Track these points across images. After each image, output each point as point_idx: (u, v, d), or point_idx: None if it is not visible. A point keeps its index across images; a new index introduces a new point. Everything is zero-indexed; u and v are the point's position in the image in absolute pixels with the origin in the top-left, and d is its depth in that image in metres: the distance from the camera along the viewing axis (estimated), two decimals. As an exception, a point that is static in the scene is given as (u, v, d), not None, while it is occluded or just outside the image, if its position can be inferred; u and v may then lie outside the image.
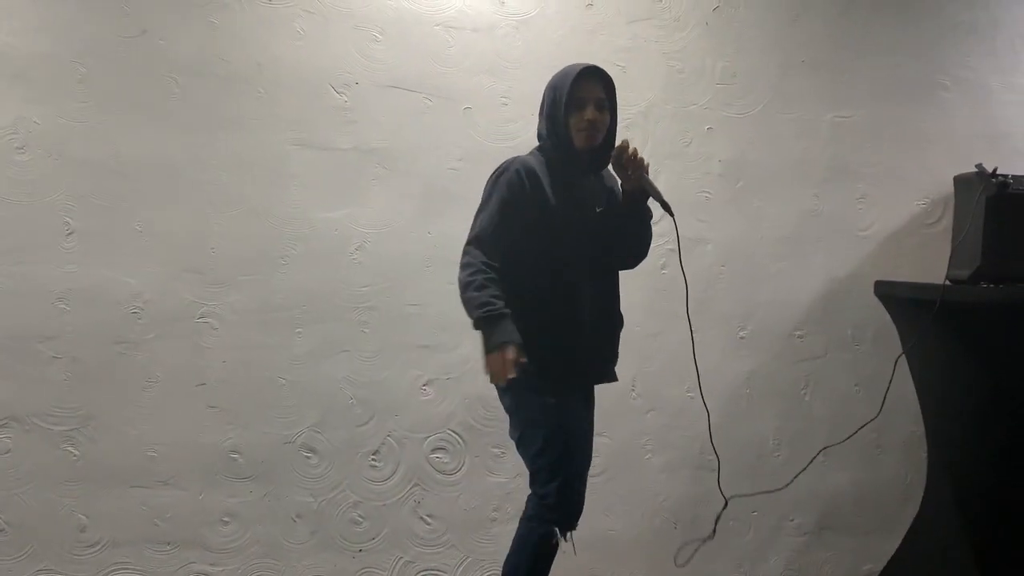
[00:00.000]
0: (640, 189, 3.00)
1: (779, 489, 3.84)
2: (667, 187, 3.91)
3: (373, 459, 3.75)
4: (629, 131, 3.89)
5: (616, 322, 3.09)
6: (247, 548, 3.66)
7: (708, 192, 4.00)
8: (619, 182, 3.05)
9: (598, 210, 3.02)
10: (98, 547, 3.55)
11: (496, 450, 3.85)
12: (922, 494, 3.90)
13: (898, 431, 4.13)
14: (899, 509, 4.10)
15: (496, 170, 2.96)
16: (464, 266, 2.83)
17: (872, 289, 3.90)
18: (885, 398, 3.72)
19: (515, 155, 2.98)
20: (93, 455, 3.54)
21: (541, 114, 3.01)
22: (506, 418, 3.81)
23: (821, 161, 4.10)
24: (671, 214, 3.03)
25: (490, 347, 2.76)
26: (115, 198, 3.53)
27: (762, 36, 4.04)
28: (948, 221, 4.01)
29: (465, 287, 2.79)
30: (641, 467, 3.96)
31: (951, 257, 3.66)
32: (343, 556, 3.74)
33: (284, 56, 3.65)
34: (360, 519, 3.75)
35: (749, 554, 4.07)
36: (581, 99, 2.93)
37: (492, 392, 3.79)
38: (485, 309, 2.75)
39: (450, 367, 3.80)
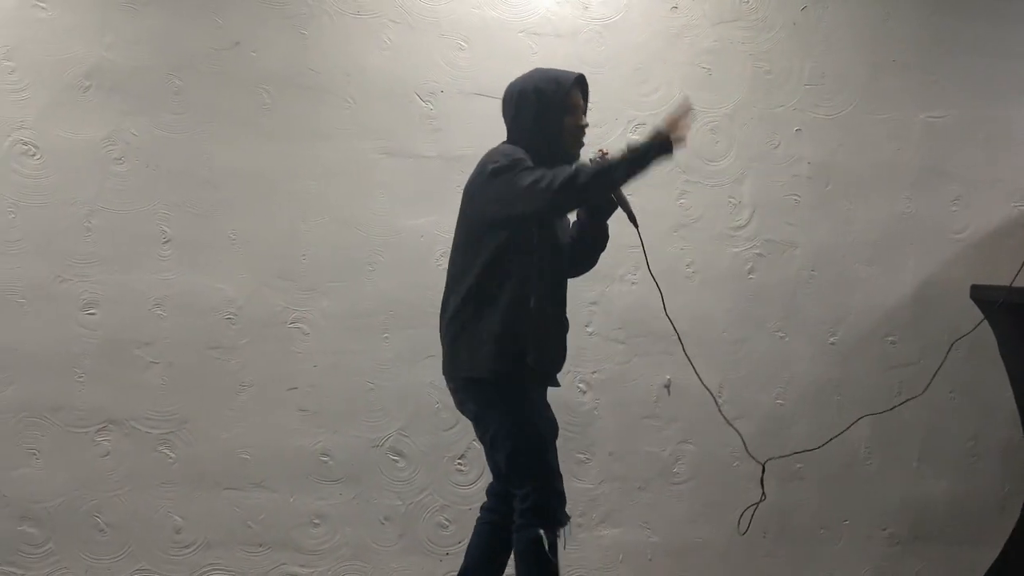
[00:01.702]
0: (610, 199, 3.03)
1: (815, 448, 3.73)
2: (754, 189, 3.91)
3: (459, 463, 3.78)
4: (714, 134, 3.87)
5: (567, 325, 3.08)
6: (337, 550, 3.72)
7: (796, 195, 3.94)
8: None
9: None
10: (193, 548, 3.64)
11: (580, 455, 3.85)
12: (1022, 503, 3.78)
13: (995, 438, 4.02)
14: (996, 519, 3.98)
15: (499, 147, 2.96)
16: (543, 176, 2.79)
17: (968, 293, 3.80)
18: (933, 378, 3.61)
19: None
20: (188, 458, 3.63)
21: (519, 117, 2.97)
22: (590, 423, 3.85)
23: (913, 163, 4.01)
24: (636, 226, 3.03)
25: (663, 133, 2.82)
26: (209, 207, 3.62)
27: (852, 36, 3.97)
28: (1048, 223, 3.90)
29: (573, 178, 2.77)
30: (728, 475, 3.91)
31: (1052, 260, 3.55)
32: (430, 559, 3.77)
33: (371, 66, 3.71)
34: (447, 523, 3.77)
35: (840, 562, 3.99)
36: (573, 106, 2.99)
37: (576, 398, 3.83)
38: (618, 159, 2.82)
39: (535, 372, 3.80)
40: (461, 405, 3.04)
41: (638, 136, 2.92)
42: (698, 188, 3.89)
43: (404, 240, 3.72)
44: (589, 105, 3.74)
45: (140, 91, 3.58)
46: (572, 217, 3.14)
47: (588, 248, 3.13)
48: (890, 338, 4.02)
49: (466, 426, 3.75)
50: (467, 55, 3.76)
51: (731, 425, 3.50)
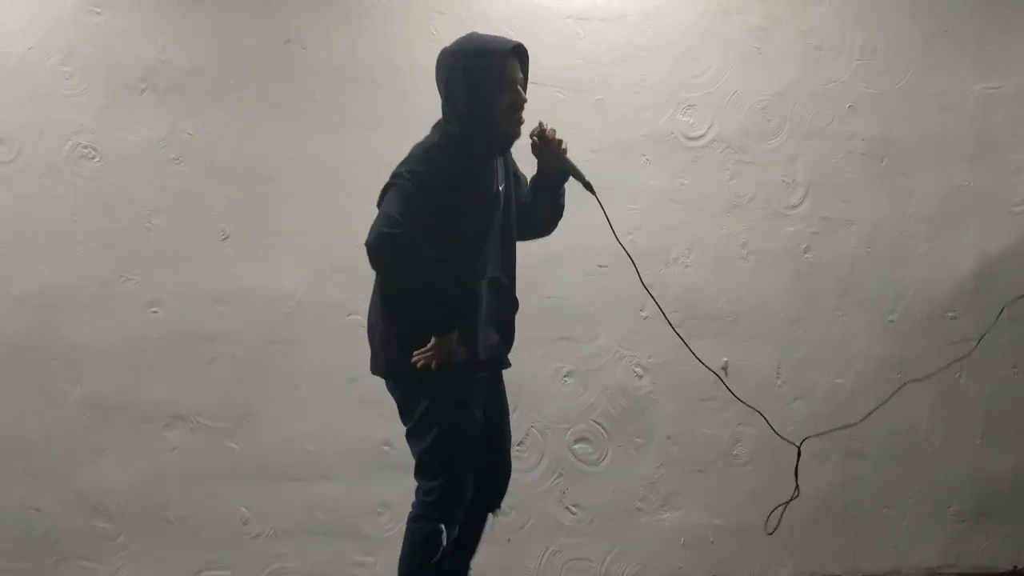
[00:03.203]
0: (559, 169, 2.89)
1: (854, 424, 3.71)
2: (808, 167, 3.88)
3: (518, 450, 3.79)
4: (766, 112, 3.85)
5: (514, 306, 2.96)
6: (400, 538, 3.73)
7: (851, 171, 3.90)
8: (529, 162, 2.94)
9: (500, 188, 2.85)
10: (260, 538, 3.70)
11: (639, 440, 3.85)
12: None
13: (1062, 413, 3.96)
14: (1065, 495, 3.93)
15: (422, 143, 2.83)
16: (392, 225, 2.65)
17: (1029, 265, 3.75)
18: (981, 339, 3.62)
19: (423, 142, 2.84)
20: (253, 450, 3.68)
21: (451, 92, 2.76)
22: (647, 407, 3.84)
23: (969, 135, 3.95)
24: (593, 192, 2.88)
25: (445, 330, 2.68)
26: (265, 202, 3.67)
27: (903, 7, 3.91)
28: (1111, 192, 3.82)
29: (402, 269, 2.67)
30: (789, 456, 3.88)
31: (1117, 229, 3.48)
32: (492, 546, 3.76)
33: (420, 57, 3.71)
34: (507, 509, 3.75)
35: (904, 540, 3.96)
36: (509, 81, 2.74)
37: (633, 383, 3.83)
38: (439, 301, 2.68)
39: (590, 358, 3.81)
40: (391, 393, 2.96)
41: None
42: (750, 168, 3.86)
43: (457, 229, 3.74)
44: (640, 88, 3.78)
45: (194, 91, 3.63)
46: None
47: (540, 218, 3.00)
48: (950, 314, 3.97)
49: (524, 412, 3.78)
50: (514, 43, 3.75)
51: (747, 404, 3.43)
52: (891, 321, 3.94)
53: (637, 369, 3.86)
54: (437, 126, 2.87)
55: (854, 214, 3.90)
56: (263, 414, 3.68)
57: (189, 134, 3.63)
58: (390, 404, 3.70)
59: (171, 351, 3.64)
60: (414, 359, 2.71)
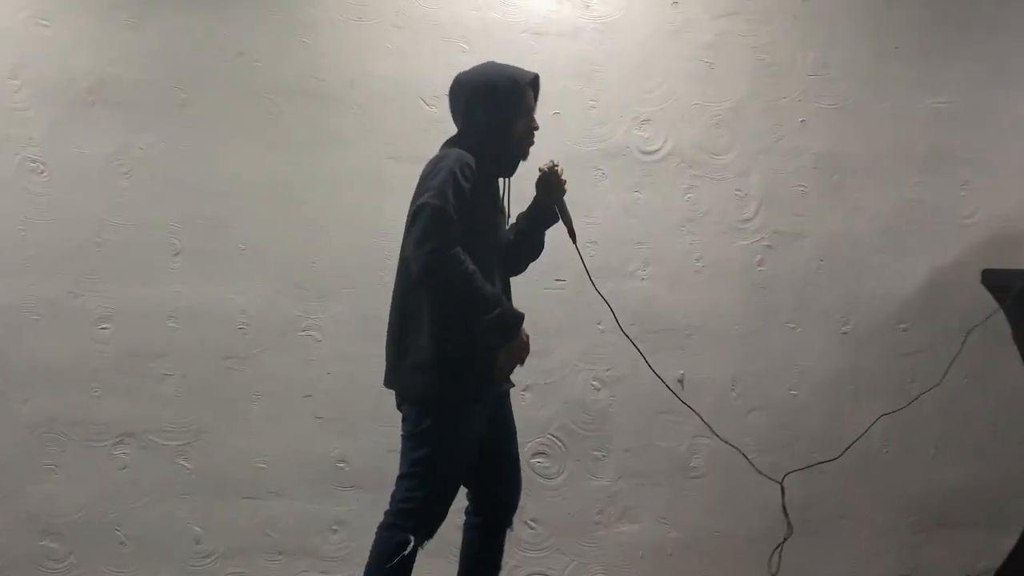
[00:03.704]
0: (551, 209, 3.01)
1: (834, 459, 3.75)
2: (761, 181, 3.91)
3: (476, 465, 3.78)
4: (719, 127, 3.87)
5: None
6: (357, 556, 3.72)
7: (803, 186, 3.94)
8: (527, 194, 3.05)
9: (503, 213, 3.01)
10: (213, 558, 3.66)
11: (597, 453, 3.85)
12: (1041, 488, 3.78)
13: (1013, 423, 4.00)
14: (1017, 503, 3.97)
15: (441, 156, 2.83)
16: (445, 247, 2.64)
17: (979, 278, 3.79)
18: (948, 368, 3.59)
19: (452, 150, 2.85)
20: (206, 468, 3.64)
21: (470, 114, 2.86)
22: (605, 421, 3.85)
23: (920, 150, 4.00)
24: (574, 241, 3.00)
25: (510, 335, 2.76)
26: (218, 218, 3.64)
27: (853, 24, 3.96)
28: (1057, 205, 3.89)
29: (468, 277, 2.67)
30: (745, 468, 3.90)
31: (1063, 242, 3.54)
32: (451, 562, 3.74)
33: (376, 72, 3.72)
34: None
35: (861, 551, 3.98)
36: (527, 107, 2.91)
37: (591, 396, 3.84)
38: (502, 306, 2.73)
39: (548, 372, 3.80)
40: (399, 406, 2.96)
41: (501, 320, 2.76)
42: (705, 182, 3.88)
43: (414, 244, 3.72)
44: (594, 103, 3.80)
45: (145, 105, 3.60)
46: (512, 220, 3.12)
47: (521, 255, 3.09)
48: (902, 326, 4.01)
49: (481, 428, 3.77)
50: (470, 58, 3.74)
51: (733, 446, 3.56)
52: (844, 333, 3.98)
53: (595, 383, 3.86)
54: (450, 144, 2.92)
55: (807, 228, 3.94)
56: (216, 431, 3.64)
57: (140, 148, 3.59)
58: (346, 421, 3.71)
59: (122, 368, 3.59)
60: (500, 369, 2.82)
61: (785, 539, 3.68)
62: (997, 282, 3.71)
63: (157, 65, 3.61)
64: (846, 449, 3.72)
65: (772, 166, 3.92)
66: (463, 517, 3.15)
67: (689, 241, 3.88)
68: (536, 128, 2.94)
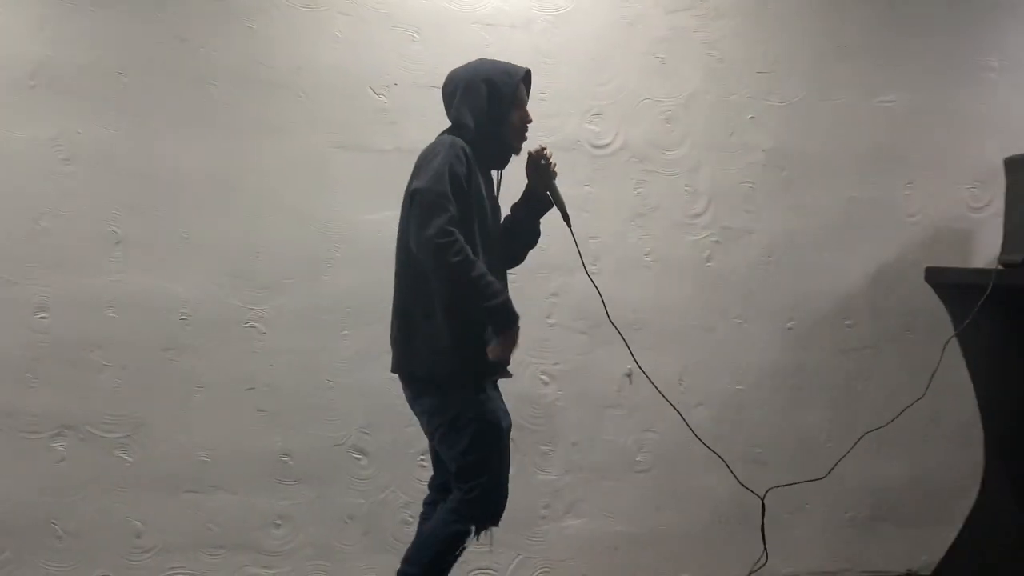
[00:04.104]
0: (544, 195, 3.06)
1: (821, 478, 3.79)
2: (710, 177, 3.92)
3: (422, 459, 3.75)
4: (670, 123, 3.88)
5: None
6: (299, 550, 3.69)
7: (751, 182, 3.96)
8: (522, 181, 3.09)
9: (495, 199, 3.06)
10: (153, 552, 3.60)
11: (544, 447, 3.85)
12: (979, 483, 3.83)
13: (952, 419, 4.06)
14: (956, 498, 4.03)
15: (436, 143, 2.87)
16: (445, 234, 2.66)
17: (923, 276, 3.84)
18: (931, 380, 3.64)
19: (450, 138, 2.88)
20: (146, 461, 3.58)
21: (465, 107, 2.91)
22: (553, 415, 3.84)
23: (866, 147, 4.04)
24: (569, 225, 3.04)
25: (510, 324, 2.78)
26: (160, 206, 3.57)
27: (803, 22, 3.98)
28: (998, 205, 3.93)
29: (467, 265, 2.68)
30: (690, 462, 3.93)
31: (1004, 241, 3.59)
32: (395, 557, 3.70)
33: (323, 59, 3.66)
34: (411, 519, 3.75)
35: (803, 544, 4.03)
36: (521, 100, 2.99)
37: (539, 390, 3.83)
38: (504, 296, 2.77)
39: (496, 365, 3.79)
40: (413, 400, 2.99)
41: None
42: (655, 177, 3.89)
43: (362, 235, 3.69)
44: (545, 95, 3.78)
45: (87, 90, 3.52)
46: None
47: (517, 244, 3.13)
48: (847, 322, 4.05)
49: (428, 421, 3.74)
50: (420, 47, 3.73)
51: (717, 454, 3.55)
52: (789, 328, 4.01)
53: (543, 376, 3.85)
54: (446, 135, 2.96)
55: (755, 224, 3.96)
56: (156, 424, 3.58)
57: (79, 133, 3.51)
58: (289, 414, 3.66)
59: (60, 358, 3.51)
60: (490, 354, 2.82)
61: (761, 565, 3.71)
62: (940, 280, 3.75)
63: (99, 49, 3.52)
64: (832, 468, 3.74)
65: (722, 162, 3.93)
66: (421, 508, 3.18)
67: (639, 236, 3.88)
68: (530, 121, 3.02)
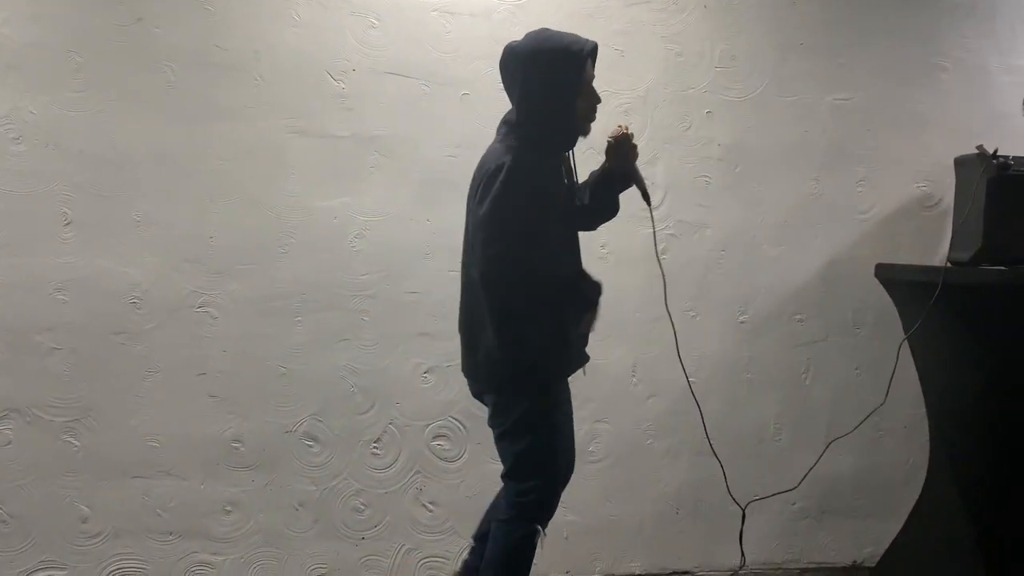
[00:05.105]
0: (625, 174, 2.95)
1: (791, 489, 3.86)
2: (667, 170, 3.94)
3: (375, 447, 3.75)
4: (628, 116, 3.88)
5: None
6: (249, 537, 3.67)
7: (708, 176, 3.98)
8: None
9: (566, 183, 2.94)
10: (100, 538, 3.56)
11: (497, 437, 3.85)
12: (924, 477, 3.90)
13: (900, 414, 4.12)
14: (901, 492, 4.10)
15: (501, 167, 2.70)
16: (507, 252, 2.66)
17: (873, 272, 3.89)
18: (890, 385, 3.70)
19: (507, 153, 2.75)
20: (94, 446, 3.54)
21: (526, 88, 2.70)
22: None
23: (820, 144, 4.08)
24: (649, 204, 3.02)
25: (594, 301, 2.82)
26: (113, 188, 3.52)
27: (761, 19, 4.01)
28: (948, 203, 4.00)
29: (537, 273, 2.69)
30: (643, 453, 3.96)
31: (952, 239, 3.65)
32: (346, 544, 3.74)
33: (281, 43, 3.63)
34: (362, 507, 3.75)
35: (750, 538, 4.06)
36: (588, 81, 2.76)
37: (493, 379, 3.82)
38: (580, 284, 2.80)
39: (450, 354, 3.76)
40: (479, 395, 2.97)
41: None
42: (612, 169, 3.89)
43: (317, 221, 3.66)
44: (503, 86, 3.77)
45: (38, 68, 3.46)
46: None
47: (595, 216, 3.04)
48: (798, 316, 4.10)
49: (382, 408, 3.74)
50: (379, 33, 3.70)
51: (716, 456, 3.57)
52: (742, 322, 4.05)
53: (497, 366, 3.85)
54: (507, 127, 2.81)
55: (709, 218, 3.99)
56: (105, 408, 3.53)
57: (31, 112, 3.45)
58: (241, 400, 3.63)
59: (7, 341, 3.46)
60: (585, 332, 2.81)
61: (740, 568, 3.75)
62: (888, 276, 3.81)
63: (52, 27, 3.46)
64: (803, 478, 3.81)
65: (678, 156, 3.96)
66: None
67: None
68: (599, 102, 2.83)
